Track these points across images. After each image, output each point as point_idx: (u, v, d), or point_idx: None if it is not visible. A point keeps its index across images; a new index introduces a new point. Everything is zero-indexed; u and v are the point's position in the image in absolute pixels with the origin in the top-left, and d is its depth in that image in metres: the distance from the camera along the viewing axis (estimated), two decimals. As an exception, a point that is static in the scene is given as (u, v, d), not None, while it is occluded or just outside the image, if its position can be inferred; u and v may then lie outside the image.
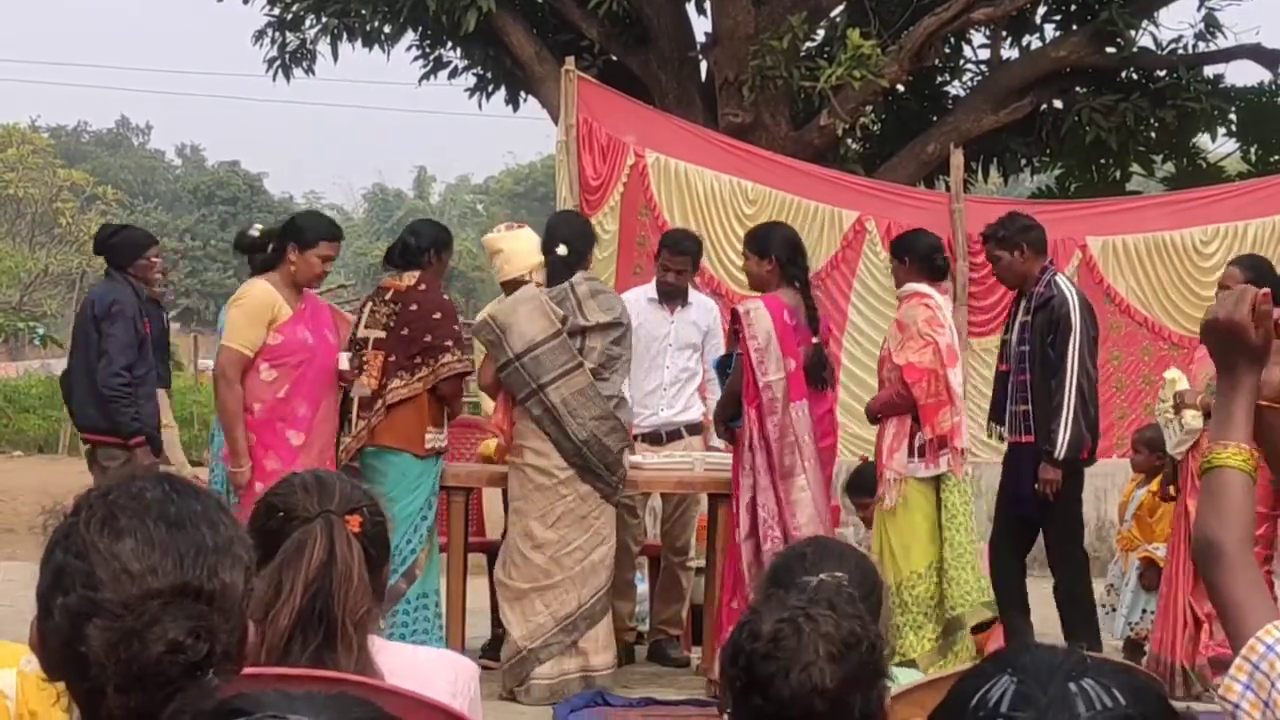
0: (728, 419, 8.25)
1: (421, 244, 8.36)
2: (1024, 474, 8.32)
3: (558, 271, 8.32)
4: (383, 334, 8.18)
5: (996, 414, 8.65)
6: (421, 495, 8.20)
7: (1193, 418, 8.33)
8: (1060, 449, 8.12)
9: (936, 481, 8.16)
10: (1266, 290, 2.59)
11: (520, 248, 8.97)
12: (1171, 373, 8.87)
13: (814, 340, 8.19)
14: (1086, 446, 8.23)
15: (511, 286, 8.83)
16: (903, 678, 3.38)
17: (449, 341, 8.17)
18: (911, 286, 8.31)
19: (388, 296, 8.28)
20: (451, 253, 8.75)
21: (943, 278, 8.59)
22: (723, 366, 8.49)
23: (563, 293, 8.21)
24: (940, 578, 8.12)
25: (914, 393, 8.09)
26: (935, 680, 2.84)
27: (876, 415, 8.42)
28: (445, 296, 8.56)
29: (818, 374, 8.19)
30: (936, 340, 8.11)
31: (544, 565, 8.06)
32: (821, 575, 3.33)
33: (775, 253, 8.29)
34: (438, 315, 8.23)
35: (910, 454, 8.15)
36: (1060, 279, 8.42)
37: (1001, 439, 8.66)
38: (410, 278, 8.27)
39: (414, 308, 8.18)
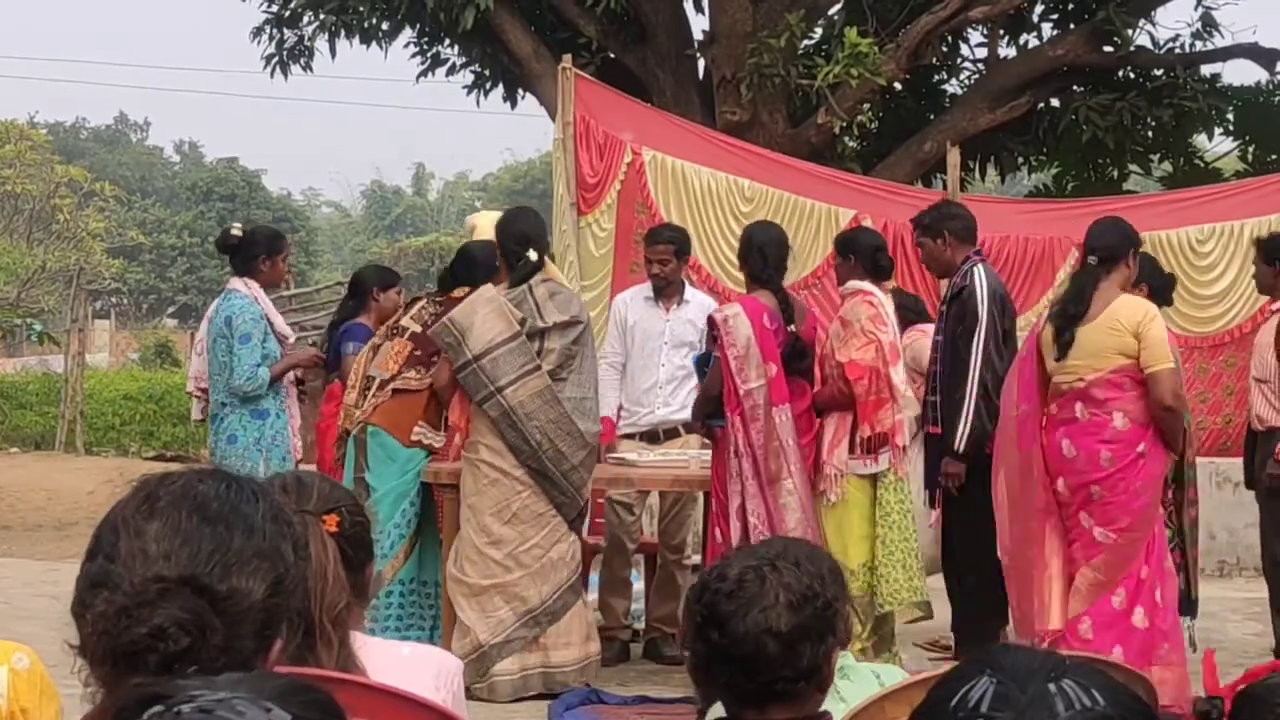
0: (705, 417, 8.25)
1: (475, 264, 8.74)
2: (931, 465, 8.29)
3: (525, 275, 8.25)
4: (420, 329, 8.52)
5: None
6: (409, 480, 8.47)
7: None
8: (960, 442, 8.02)
9: (874, 479, 8.11)
10: None
11: (490, 226, 9.00)
12: None
13: (790, 330, 8.15)
14: (991, 440, 8.09)
15: None
16: (888, 677, 3.39)
17: None
18: (855, 284, 8.26)
19: (439, 299, 8.75)
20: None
21: (887, 277, 8.52)
22: (701, 364, 8.46)
23: (521, 295, 8.19)
24: (872, 576, 8.09)
25: (855, 390, 8.03)
26: (924, 679, 2.83)
27: (819, 410, 8.38)
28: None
29: (797, 364, 8.16)
30: (879, 338, 8.04)
31: (501, 561, 8.03)
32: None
33: (747, 256, 8.30)
34: None
35: (851, 450, 8.12)
36: (979, 269, 8.24)
37: None
38: (462, 291, 8.51)
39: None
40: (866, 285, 8.21)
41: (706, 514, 8.64)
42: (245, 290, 8.76)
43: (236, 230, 9.02)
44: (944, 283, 8.93)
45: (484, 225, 9.02)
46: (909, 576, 8.11)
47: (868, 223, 12.15)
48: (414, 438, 8.43)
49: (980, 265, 8.29)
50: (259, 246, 8.87)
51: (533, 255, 8.24)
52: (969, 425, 8.01)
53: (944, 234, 8.32)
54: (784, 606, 2.93)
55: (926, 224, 8.44)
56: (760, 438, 7.97)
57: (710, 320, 8.28)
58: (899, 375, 8.09)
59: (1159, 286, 8.45)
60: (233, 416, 8.68)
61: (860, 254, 8.31)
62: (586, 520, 8.63)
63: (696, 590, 3.04)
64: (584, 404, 8.22)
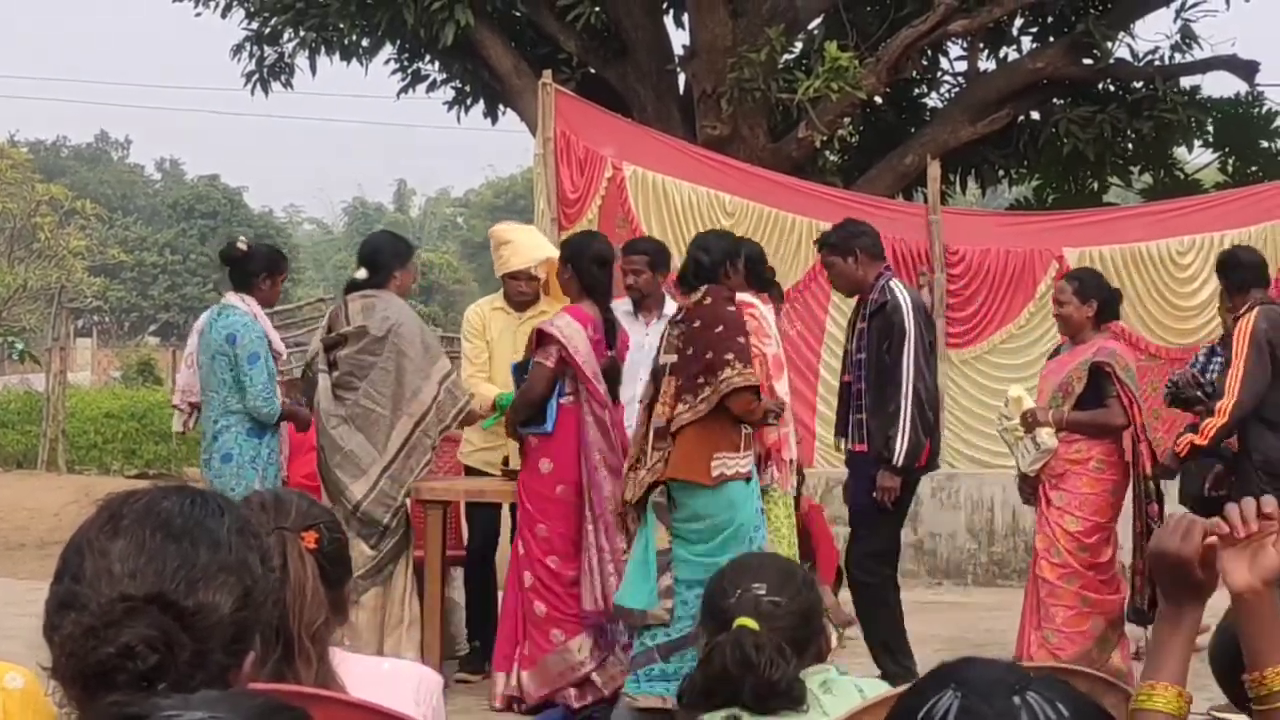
0: (521, 423, 8.21)
1: (715, 258, 7.84)
2: (859, 482, 8.22)
3: (346, 289, 8.64)
4: (675, 358, 7.69)
5: (841, 426, 8.49)
6: (711, 528, 7.48)
7: (1048, 435, 8.24)
8: (898, 456, 7.97)
9: (763, 495, 7.91)
10: (1216, 522, 2.40)
11: (528, 241, 9.20)
12: (1015, 390, 8.81)
13: (610, 354, 8.09)
14: (924, 453, 8.11)
15: (513, 279, 9.01)
16: (871, 690, 3.39)
17: (729, 355, 7.51)
18: (738, 296, 8.20)
19: (679, 317, 7.79)
20: (740, 263, 8.07)
21: (766, 289, 8.44)
22: (520, 371, 8.39)
23: (339, 309, 8.47)
24: None
25: None
26: (901, 692, 2.84)
27: None
28: (731, 309, 7.73)
29: (613, 388, 8.11)
30: (763, 351, 7.89)
31: None
32: (739, 590, 3.40)
33: (573, 262, 8.22)
34: (719, 329, 7.60)
35: None
36: (895, 284, 8.19)
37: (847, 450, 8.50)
38: (698, 294, 7.73)
39: (697, 324, 7.64)
40: (748, 297, 8.08)
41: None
42: (244, 307, 8.55)
43: (242, 244, 8.91)
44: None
45: (516, 239, 9.15)
46: None
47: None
48: (715, 473, 7.43)
49: (895, 279, 8.24)
50: (261, 264, 8.77)
51: (360, 274, 8.50)
52: (906, 439, 7.98)
53: (855, 252, 8.23)
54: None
55: (834, 243, 8.34)
56: (603, 440, 8.04)
57: (541, 330, 8.24)
58: (783, 388, 7.98)
59: (1108, 300, 8.44)
60: (228, 435, 8.45)
61: (742, 266, 8.25)
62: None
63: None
64: (370, 414, 8.30)
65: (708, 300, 7.58)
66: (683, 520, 7.39)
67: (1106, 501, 8.18)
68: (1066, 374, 8.27)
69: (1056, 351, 8.71)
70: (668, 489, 7.44)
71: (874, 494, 8.08)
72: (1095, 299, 8.31)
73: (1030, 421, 8.27)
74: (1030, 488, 8.43)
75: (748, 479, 7.44)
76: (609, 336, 8.13)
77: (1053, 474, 8.22)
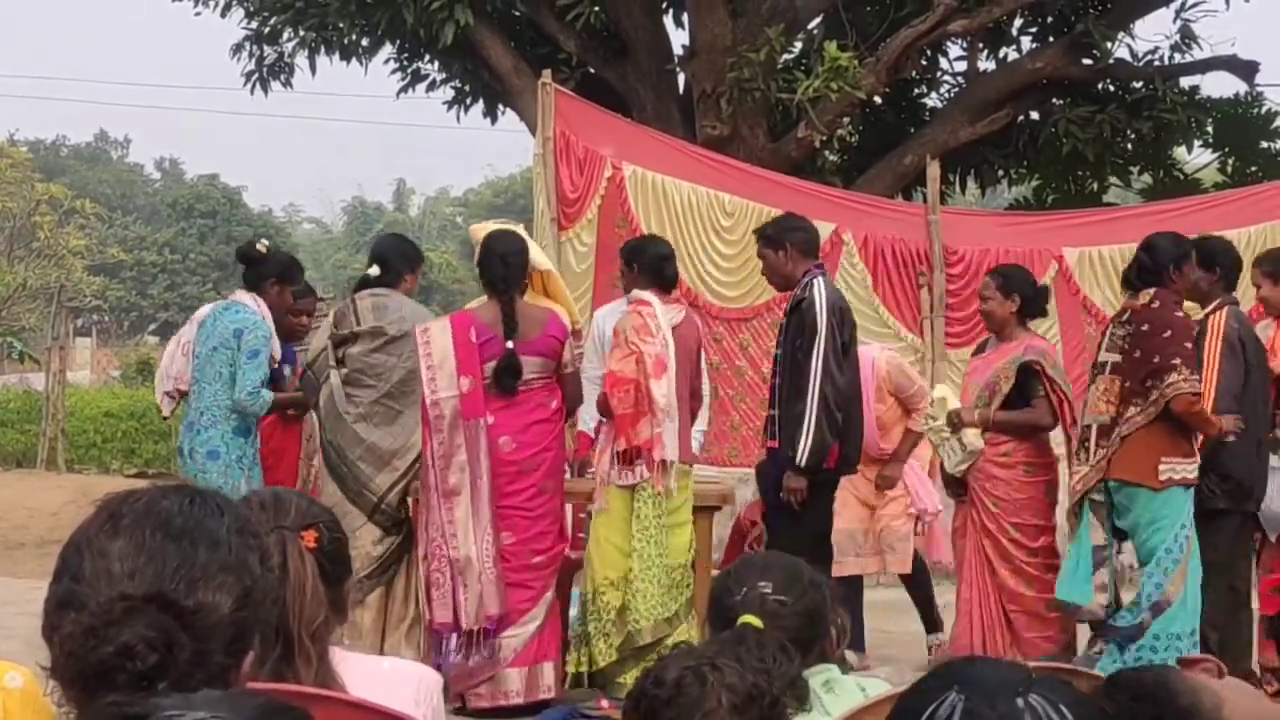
0: None
1: (1160, 260, 7.86)
2: (769, 480, 8.14)
3: (357, 287, 8.68)
4: (1119, 358, 7.81)
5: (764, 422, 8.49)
6: (1166, 531, 7.65)
7: (974, 436, 8.19)
8: (802, 456, 7.86)
9: (633, 492, 7.98)
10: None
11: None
12: (940, 390, 8.78)
13: (508, 346, 7.97)
14: (831, 454, 7.95)
15: None
16: (873, 689, 3.38)
17: (1176, 360, 7.62)
18: (637, 293, 8.12)
19: (1124, 318, 7.88)
20: (1188, 266, 8.01)
21: (672, 287, 8.39)
22: None
23: (346, 307, 8.48)
24: (628, 589, 7.95)
25: (611, 402, 7.93)
26: (900, 693, 2.83)
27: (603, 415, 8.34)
28: (1179, 314, 7.81)
29: (508, 382, 7.99)
30: (641, 350, 7.90)
31: None
32: (745, 588, 3.40)
33: (487, 265, 8.17)
34: (1167, 334, 7.69)
35: (612, 461, 8.01)
36: (819, 281, 8.08)
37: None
38: (1146, 295, 7.79)
39: (1145, 328, 7.73)
40: (647, 295, 8.08)
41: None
42: (254, 306, 8.58)
43: (262, 246, 8.93)
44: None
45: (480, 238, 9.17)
46: (662, 592, 7.96)
47: (847, 236, 12.17)
48: (1163, 477, 7.66)
49: (820, 278, 8.15)
50: (274, 269, 8.77)
51: (372, 271, 8.52)
52: (810, 439, 7.87)
53: (786, 246, 8.19)
54: (728, 710, 2.77)
55: (769, 235, 8.30)
56: (441, 449, 7.88)
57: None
58: (661, 389, 7.93)
59: (1032, 298, 8.41)
60: (214, 430, 8.43)
61: (643, 264, 8.23)
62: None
63: (633, 698, 2.88)
64: (390, 411, 8.30)
65: (1155, 304, 7.72)
66: (1122, 520, 7.69)
67: (1043, 503, 8.20)
68: (993, 372, 8.23)
69: (982, 347, 8.67)
70: (1106, 487, 7.68)
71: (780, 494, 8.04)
72: (1018, 294, 8.30)
73: (956, 422, 8.24)
74: (959, 487, 8.40)
75: (1191, 485, 7.65)
76: (508, 329, 8.04)
77: (983, 476, 8.18)
